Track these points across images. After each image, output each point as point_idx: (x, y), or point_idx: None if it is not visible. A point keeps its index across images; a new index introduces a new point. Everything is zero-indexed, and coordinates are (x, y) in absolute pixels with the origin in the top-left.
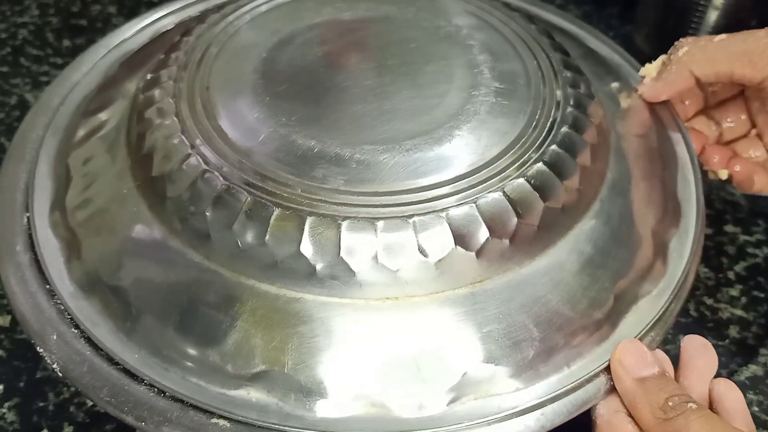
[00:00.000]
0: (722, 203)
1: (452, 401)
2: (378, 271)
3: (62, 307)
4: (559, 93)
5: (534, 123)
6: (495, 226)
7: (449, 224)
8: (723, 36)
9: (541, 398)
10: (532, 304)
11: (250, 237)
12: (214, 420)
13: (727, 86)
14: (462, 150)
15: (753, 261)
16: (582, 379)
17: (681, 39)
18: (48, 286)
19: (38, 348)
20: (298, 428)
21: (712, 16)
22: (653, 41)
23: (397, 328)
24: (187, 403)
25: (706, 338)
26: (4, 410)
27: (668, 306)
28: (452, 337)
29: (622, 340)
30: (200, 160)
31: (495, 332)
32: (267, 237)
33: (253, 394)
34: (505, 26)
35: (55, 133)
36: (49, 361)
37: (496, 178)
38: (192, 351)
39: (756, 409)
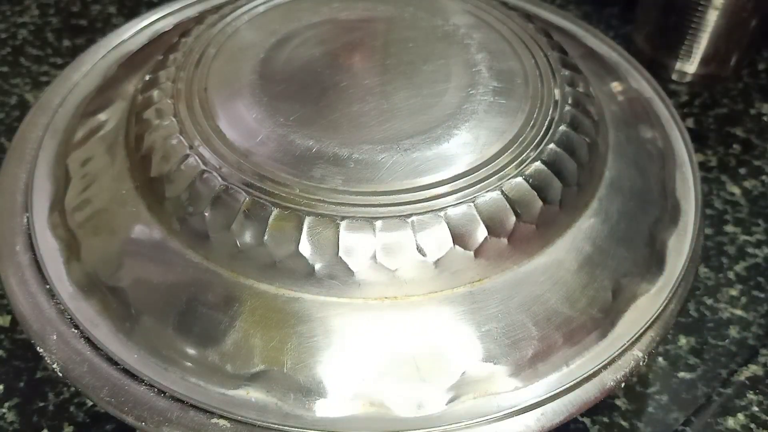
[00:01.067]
0: (722, 203)
1: (451, 400)
2: (376, 270)
3: (62, 308)
4: (557, 92)
5: (532, 122)
6: (493, 225)
7: (447, 223)
8: None
9: (541, 397)
10: (531, 303)
11: (248, 237)
12: (214, 420)
13: None
14: (460, 149)
15: (753, 261)
16: (581, 377)
17: None
18: (48, 287)
19: (38, 348)
20: (298, 428)
21: (712, 16)
22: (653, 41)
23: (395, 328)
24: (187, 403)
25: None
26: (4, 410)
27: (667, 305)
28: (451, 336)
29: (621, 338)
30: (198, 161)
31: (494, 331)
32: (265, 237)
33: (252, 393)
34: (503, 25)
35: (55, 134)
36: (49, 361)
37: (494, 177)
38: (191, 351)
39: (756, 409)
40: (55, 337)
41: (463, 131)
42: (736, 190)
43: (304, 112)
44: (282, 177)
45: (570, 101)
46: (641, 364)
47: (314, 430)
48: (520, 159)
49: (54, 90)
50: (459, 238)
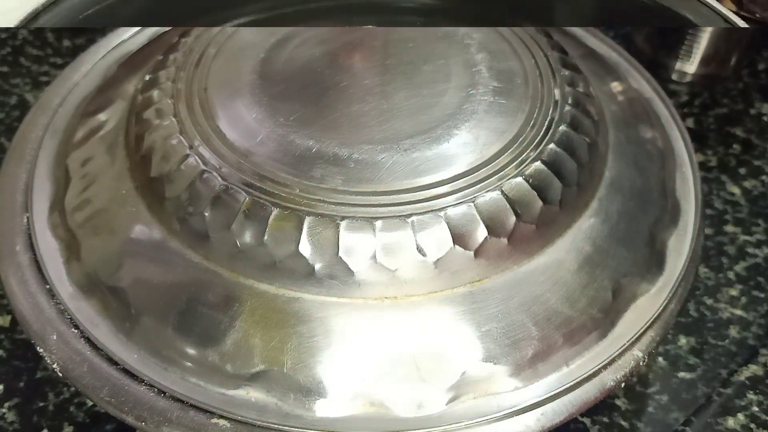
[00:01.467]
0: (722, 203)
1: (451, 400)
2: (376, 270)
3: (62, 308)
4: (557, 92)
5: (532, 122)
6: (493, 226)
7: (447, 224)
8: None
9: (541, 397)
10: (531, 303)
11: (248, 237)
12: (214, 420)
13: None
14: (460, 149)
15: (753, 261)
16: (581, 377)
17: None
18: (48, 287)
19: (38, 348)
20: (298, 428)
21: None
22: (653, 41)
23: (395, 328)
24: (187, 403)
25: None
26: (4, 410)
27: (667, 305)
28: (451, 336)
29: (621, 338)
30: (198, 161)
31: (494, 331)
32: (265, 237)
33: (252, 393)
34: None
35: (55, 134)
36: (49, 361)
37: (494, 177)
38: (191, 351)
39: (756, 409)
40: (55, 337)
41: (463, 131)
42: (736, 190)
43: (304, 112)
44: (282, 177)
45: (570, 101)
46: (641, 364)
47: (314, 430)
48: (520, 159)
49: (54, 90)
50: (459, 238)
